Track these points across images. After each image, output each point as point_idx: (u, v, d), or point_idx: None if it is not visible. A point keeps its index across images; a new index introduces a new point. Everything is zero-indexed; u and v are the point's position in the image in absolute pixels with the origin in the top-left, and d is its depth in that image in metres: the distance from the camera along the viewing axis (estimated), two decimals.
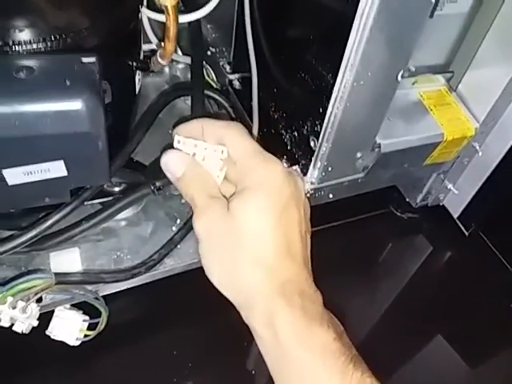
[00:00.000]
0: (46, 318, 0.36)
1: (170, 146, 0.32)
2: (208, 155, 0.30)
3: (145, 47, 0.43)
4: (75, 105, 0.27)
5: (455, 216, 0.63)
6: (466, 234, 0.63)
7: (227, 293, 0.29)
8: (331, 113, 0.41)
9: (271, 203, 0.28)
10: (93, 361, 0.42)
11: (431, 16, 0.40)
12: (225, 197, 0.30)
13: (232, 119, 0.43)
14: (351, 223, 0.62)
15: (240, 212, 0.28)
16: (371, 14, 0.34)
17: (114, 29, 0.32)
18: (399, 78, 0.40)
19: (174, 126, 0.32)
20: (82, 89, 0.27)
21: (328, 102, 0.40)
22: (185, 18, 0.41)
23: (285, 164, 0.40)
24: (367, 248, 0.62)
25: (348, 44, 0.36)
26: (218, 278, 0.29)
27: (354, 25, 0.35)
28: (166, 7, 0.28)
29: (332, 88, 0.39)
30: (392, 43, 0.36)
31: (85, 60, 0.28)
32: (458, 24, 0.49)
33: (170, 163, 0.31)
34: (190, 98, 0.51)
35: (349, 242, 0.61)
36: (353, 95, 0.39)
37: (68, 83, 0.27)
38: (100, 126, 0.28)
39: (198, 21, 0.43)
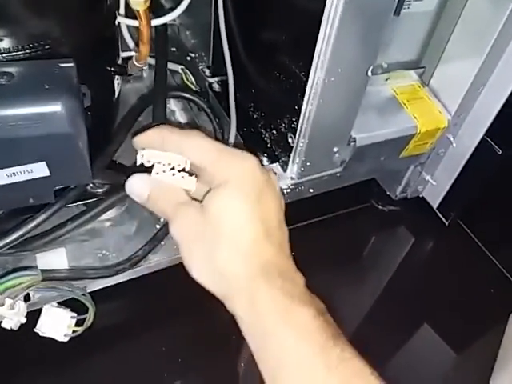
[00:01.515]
0: (34, 316, 0.36)
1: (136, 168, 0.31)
2: (174, 171, 0.30)
3: (124, 54, 0.44)
4: (54, 107, 0.28)
5: (435, 207, 0.65)
6: (446, 223, 0.64)
7: (209, 284, 0.29)
8: (306, 109, 0.42)
9: (245, 190, 0.28)
10: (82, 358, 0.42)
11: (398, 14, 0.42)
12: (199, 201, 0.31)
13: (210, 120, 0.44)
14: (333, 218, 0.64)
15: (214, 205, 0.28)
16: (337, 14, 0.35)
17: (91, 36, 0.33)
18: (369, 73, 0.41)
19: (134, 135, 0.32)
20: (61, 91, 0.28)
21: (302, 99, 0.42)
22: (153, 22, 0.42)
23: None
24: (351, 242, 0.63)
25: (317, 43, 0.37)
26: (199, 270, 0.29)
27: (321, 24, 0.36)
28: (138, 12, 0.29)
29: (305, 85, 0.40)
30: (359, 41, 0.38)
31: (62, 65, 0.29)
32: (425, 21, 0.51)
33: (134, 188, 0.31)
34: (171, 102, 0.52)
35: (332, 236, 0.62)
36: (325, 92, 0.40)
37: (47, 87, 0.28)
38: (79, 126, 0.30)
39: (163, 25, 0.44)
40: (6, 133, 0.28)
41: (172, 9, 0.46)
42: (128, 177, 0.31)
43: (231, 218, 0.28)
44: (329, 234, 0.62)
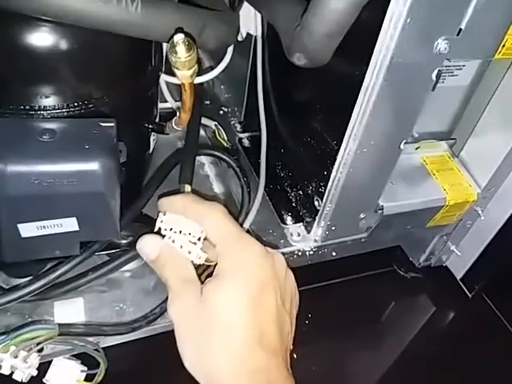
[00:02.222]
0: (44, 365, 0.36)
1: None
2: (186, 242, 0.31)
3: (161, 105, 0.45)
4: (92, 166, 0.29)
5: (458, 277, 0.63)
6: (469, 295, 0.63)
7: (198, 378, 0.29)
8: (335, 177, 0.42)
9: (245, 291, 0.28)
10: None
11: (433, 89, 0.42)
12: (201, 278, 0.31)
13: (239, 178, 0.45)
14: (354, 280, 0.63)
15: (212, 299, 0.28)
16: (375, 90, 0.36)
17: (133, 96, 0.34)
18: (402, 146, 0.41)
19: (160, 197, 0.33)
20: (99, 151, 0.29)
21: (332, 167, 0.42)
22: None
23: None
24: (370, 306, 0.62)
25: (352, 116, 0.38)
26: (190, 362, 0.29)
27: (358, 98, 0.37)
28: (184, 84, 0.30)
29: (336, 154, 0.41)
30: (394, 116, 0.38)
31: (103, 124, 0.30)
32: (459, 95, 0.51)
33: (145, 247, 0.32)
34: (202, 157, 0.53)
35: (352, 299, 0.61)
36: (356, 162, 0.40)
37: (86, 146, 0.29)
38: (114, 186, 0.30)
39: (200, 84, 0.45)
40: (43, 189, 0.28)
41: (211, 68, 0.47)
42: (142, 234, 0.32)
43: (226, 318, 0.28)
44: (348, 297, 0.61)
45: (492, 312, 0.62)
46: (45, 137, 0.28)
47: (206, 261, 0.32)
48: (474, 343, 0.59)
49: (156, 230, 0.32)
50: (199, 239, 0.31)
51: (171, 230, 0.32)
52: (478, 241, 0.58)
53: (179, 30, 0.28)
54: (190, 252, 0.31)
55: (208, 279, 0.30)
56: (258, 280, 0.29)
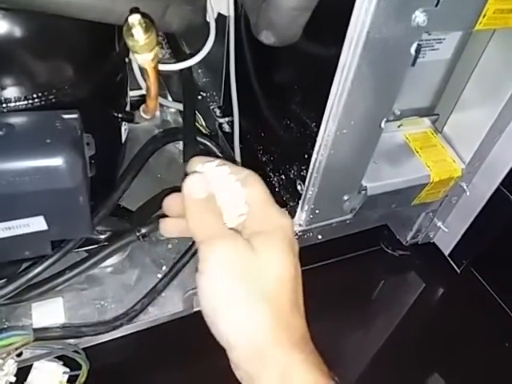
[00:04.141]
0: (25, 368, 0.35)
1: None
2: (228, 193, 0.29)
3: (134, 93, 0.43)
4: (55, 161, 0.27)
5: (446, 253, 0.63)
6: (458, 270, 0.63)
7: (232, 338, 0.26)
8: (316, 159, 0.41)
9: (291, 253, 0.28)
10: None
11: (413, 65, 0.41)
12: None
13: None
14: (343, 261, 0.62)
15: (266, 251, 0.27)
16: (352, 68, 0.34)
17: (98, 85, 0.33)
18: (382, 125, 0.40)
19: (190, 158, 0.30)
20: (63, 146, 0.27)
21: (312, 149, 0.40)
22: (175, 67, 0.42)
23: None
24: (360, 285, 0.62)
25: (330, 95, 0.36)
26: (225, 320, 0.26)
27: (335, 77, 0.35)
28: (146, 70, 0.29)
29: (316, 136, 0.39)
30: (374, 94, 0.37)
31: (66, 116, 0.28)
32: (440, 69, 0.50)
33: (195, 184, 0.28)
34: (179, 143, 0.51)
35: (342, 279, 0.61)
36: (336, 143, 0.39)
37: (48, 140, 0.27)
38: (81, 181, 0.28)
39: (189, 69, 0.44)
40: (3, 188, 0.26)
41: (191, 55, 0.45)
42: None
43: (279, 275, 0.27)
44: (337, 277, 0.61)
45: (481, 286, 0.63)
46: (1, 132, 0.27)
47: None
48: (464, 317, 0.60)
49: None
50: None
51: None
52: (465, 216, 0.58)
53: (134, 10, 0.26)
54: (231, 205, 0.29)
55: (253, 234, 0.28)
56: (295, 246, 0.29)
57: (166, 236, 0.32)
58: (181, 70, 0.44)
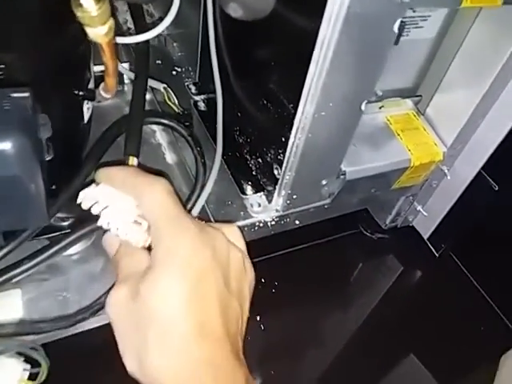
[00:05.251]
0: None
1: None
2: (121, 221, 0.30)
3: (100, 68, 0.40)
4: (2, 146, 0.24)
5: (425, 237, 0.63)
6: (437, 254, 0.62)
7: (141, 381, 0.26)
8: (293, 143, 0.39)
9: (180, 283, 0.26)
10: None
11: (396, 43, 0.39)
12: None
13: (191, 148, 0.41)
14: (321, 244, 0.62)
15: (146, 297, 0.26)
16: (331, 45, 0.32)
17: (54, 57, 0.29)
18: (363, 107, 0.38)
19: (98, 168, 0.31)
20: (11, 128, 0.25)
21: (290, 132, 0.38)
22: (130, 40, 0.39)
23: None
24: (338, 269, 0.61)
25: (308, 75, 0.34)
26: (130, 367, 0.26)
27: (313, 55, 0.33)
28: (101, 45, 0.26)
29: (293, 118, 0.37)
30: (354, 74, 0.35)
31: (15, 95, 0.25)
32: (424, 48, 0.48)
33: (104, 243, 0.32)
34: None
35: (319, 263, 0.60)
36: (315, 126, 0.37)
37: None
38: (32, 166, 0.26)
39: (146, 42, 0.40)
40: None
41: (161, 19, 0.42)
42: None
43: (161, 315, 0.25)
44: (315, 261, 0.60)
45: (459, 270, 0.63)
46: None
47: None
48: (441, 302, 0.60)
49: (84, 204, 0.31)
50: (133, 219, 0.30)
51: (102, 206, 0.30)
52: (445, 200, 0.58)
53: None
54: (129, 231, 0.30)
55: (142, 276, 0.27)
56: (194, 267, 0.26)
57: None
58: (136, 44, 0.40)
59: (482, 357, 0.56)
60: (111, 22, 0.25)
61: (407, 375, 0.54)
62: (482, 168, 0.52)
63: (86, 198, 0.30)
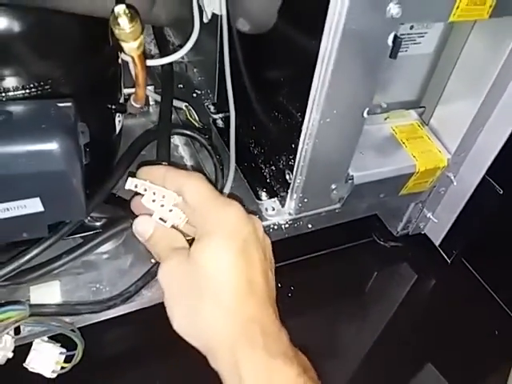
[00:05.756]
0: (24, 350, 0.36)
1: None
2: (162, 203, 0.32)
3: (129, 91, 0.45)
4: (49, 145, 0.29)
5: (437, 244, 0.64)
6: (449, 261, 0.64)
7: (190, 339, 0.29)
8: (302, 148, 0.43)
9: (229, 244, 0.29)
10: None
11: (394, 57, 0.42)
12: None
13: (211, 156, 0.45)
14: (335, 253, 0.63)
15: (199, 256, 0.29)
16: (332, 59, 0.36)
17: (92, 76, 0.35)
18: (365, 114, 0.42)
19: (138, 168, 0.34)
20: (56, 130, 0.29)
21: (298, 139, 0.42)
22: (156, 62, 0.44)
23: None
24: (353, 277, 0.63)
25: (312, 86, 0.38)
26: (180, 324, 0.29)
27: (316, 68, 0.37)
28: (133, 57, 0.31)
29: (301, 126, 0.41)
30: (354, 84, 0.39)
31: (60, 105, 0.30)
32: (424, 63, 0.51)
33: (139, 228, 0.33)
34: (175, 137, 0.53)
35: (334, 271, 0.61)
36: (321, 132, 0.41)
37: (43, 126, 0.29)
38: (74, 164, 0.30)
39: (170, 65, 0.46)
40: (1, 170, 0.28)
41: (180, 46, 0.47)
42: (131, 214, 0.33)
43: (213, 272, 0.28)
44: (330, 269, 0.61)
45: (472, 276, 0.64)
46: (0, 118, 0.29)
47: (187, 223, 0.32)
48: (456, 309, 0.60)
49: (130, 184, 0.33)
50: (174, 199, 0.31)
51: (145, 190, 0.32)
52: (453, 206, 0.59)
53: (120, 1, 0.28)
54: (167, 212, 0.31)
55: (192, 245, 0.30)
56: (241, 234, 0.29)
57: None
58: (162, 66, 0.46)
59: (497, 361, 0.56)
60: (142, 38, 0.29)
61: (422, 383, 0.54)
62: (487, 173, 0.54)
63: (134, 181, 0.33)
